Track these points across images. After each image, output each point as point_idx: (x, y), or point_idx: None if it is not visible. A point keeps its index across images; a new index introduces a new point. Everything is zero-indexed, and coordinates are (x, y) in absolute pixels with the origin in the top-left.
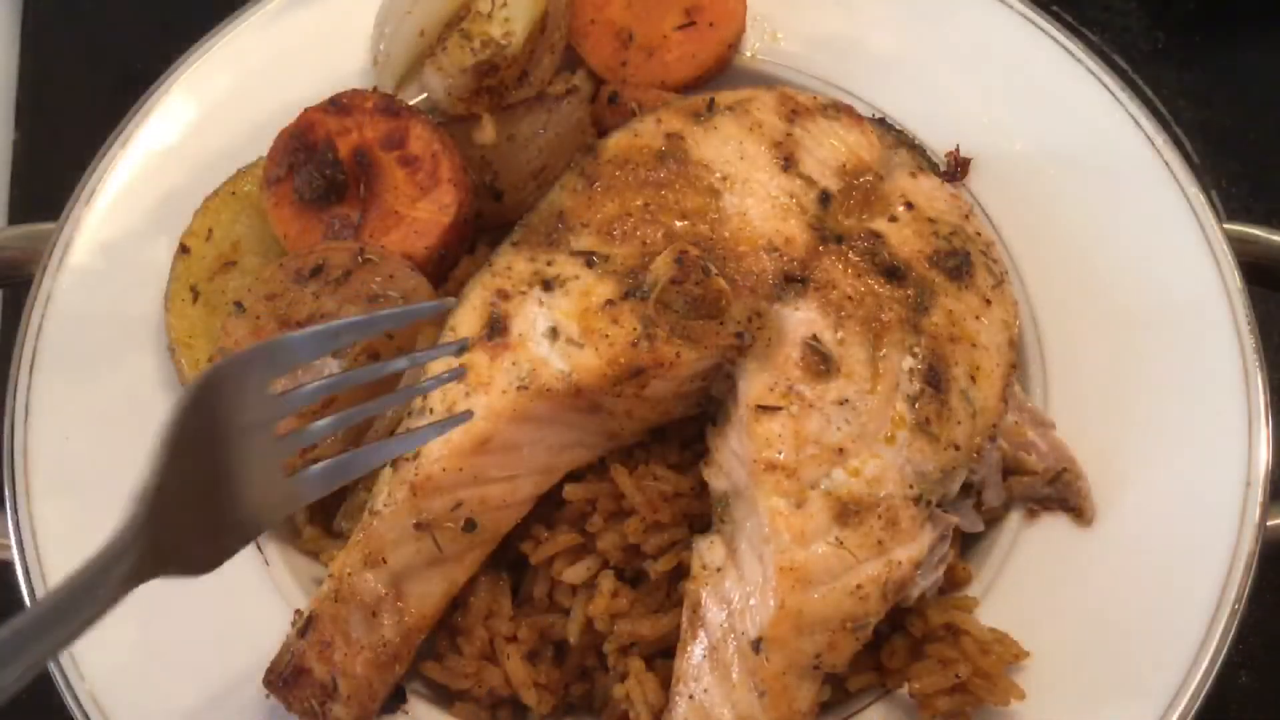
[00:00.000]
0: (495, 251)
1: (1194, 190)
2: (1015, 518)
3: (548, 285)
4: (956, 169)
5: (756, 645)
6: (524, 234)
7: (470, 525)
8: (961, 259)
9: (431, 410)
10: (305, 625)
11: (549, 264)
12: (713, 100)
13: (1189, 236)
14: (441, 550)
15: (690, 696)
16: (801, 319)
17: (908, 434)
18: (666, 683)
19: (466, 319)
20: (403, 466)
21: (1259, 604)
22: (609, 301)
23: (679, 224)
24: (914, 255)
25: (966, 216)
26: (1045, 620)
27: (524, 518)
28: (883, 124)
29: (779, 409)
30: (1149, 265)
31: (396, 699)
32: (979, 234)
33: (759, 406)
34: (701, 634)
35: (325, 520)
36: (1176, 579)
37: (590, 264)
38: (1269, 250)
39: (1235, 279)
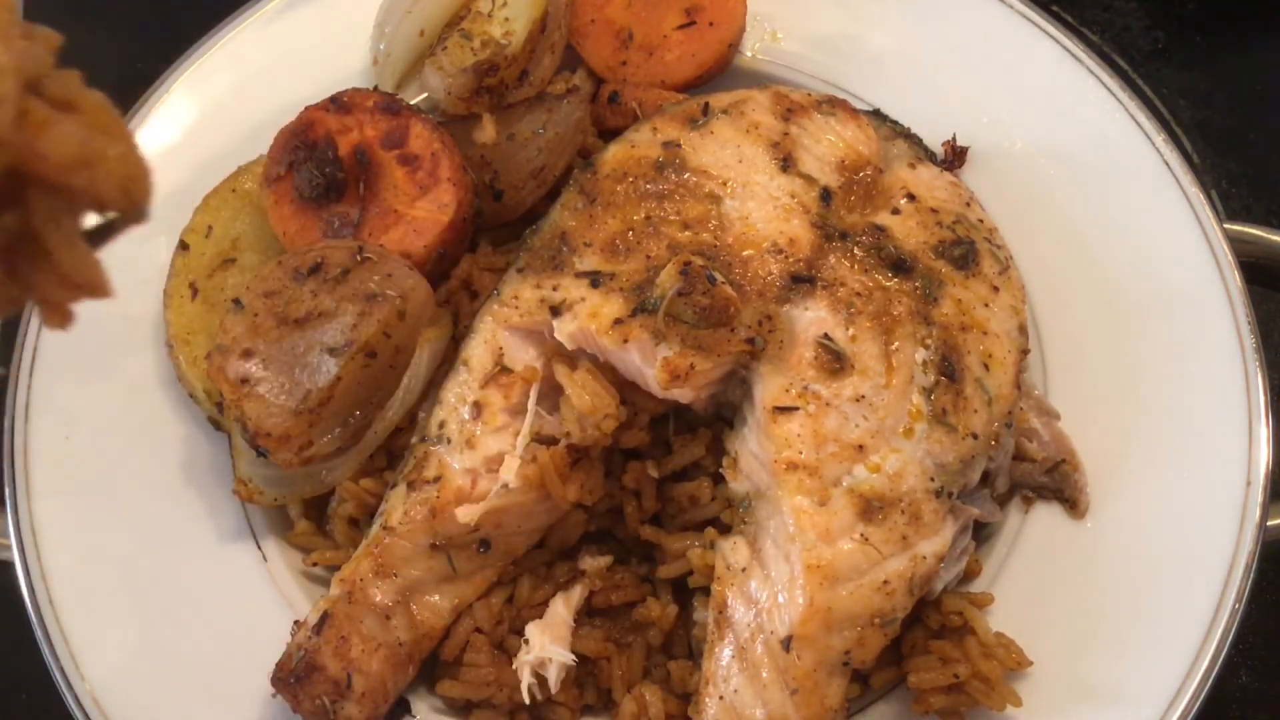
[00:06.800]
0: (502, 279)
1: (1194, 190)
2: (1015, 515)
3: (555, 311)
4: (953, 159)
5: (787, 643)
6: (528, 259)
7: (485, 546)
8: (967, 247)
9: (449, 440)
10: (320, 622)
11: (555, 289)
12: (707, 104)
13: (1189, 236)
14: (455, 570)
15: (721, 697)
16: (812, 318)
17: (926, 426)
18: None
19: (478, 352)
20: (423, 488)
21: (1259, 604)
22: (617, 320)
23: (682, 234)
24: (919, 247)
25: (968, 204)
26: (1044, 618)
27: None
28: (878, 115)
29: (796, 409)
30: (1149, 265)
31: (400, 708)
32: (981, 221)
33: (776, 408)
34: (729, 635)
35: (319, 516)
36: (1176, 579)
37: (595, 284)
38: (1269, 250)
39: (1235, 279)
